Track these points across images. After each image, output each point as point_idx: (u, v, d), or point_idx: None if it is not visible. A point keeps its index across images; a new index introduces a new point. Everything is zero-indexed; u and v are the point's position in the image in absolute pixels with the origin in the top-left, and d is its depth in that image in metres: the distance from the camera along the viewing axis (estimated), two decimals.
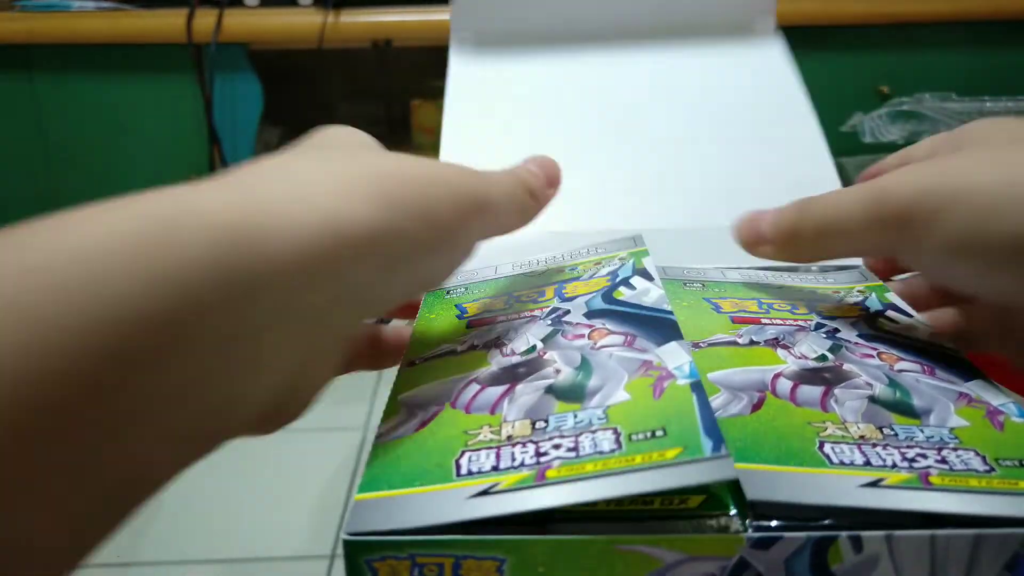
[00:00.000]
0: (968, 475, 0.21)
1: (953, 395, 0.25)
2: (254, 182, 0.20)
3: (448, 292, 0.34)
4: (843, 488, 0.20)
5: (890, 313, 0.31)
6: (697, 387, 0.23)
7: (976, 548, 0.19)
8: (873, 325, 0.30)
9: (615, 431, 0.21)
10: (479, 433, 0.23)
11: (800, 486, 0.20)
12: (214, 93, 1.45)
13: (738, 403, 0.24)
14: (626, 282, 0.31)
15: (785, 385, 0.26)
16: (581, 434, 0.22)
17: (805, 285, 0.35)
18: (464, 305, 0.32)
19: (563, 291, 0.31)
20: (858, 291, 0.33)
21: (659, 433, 0.21)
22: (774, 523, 0.19)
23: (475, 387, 0.25)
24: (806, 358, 0.27)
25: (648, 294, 0.29)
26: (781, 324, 0.30)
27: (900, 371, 0.26)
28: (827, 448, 0.22)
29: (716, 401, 0.24)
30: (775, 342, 0.28)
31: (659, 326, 0.27)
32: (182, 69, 1.45)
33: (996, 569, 0.19)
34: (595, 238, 0.36)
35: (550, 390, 0.24)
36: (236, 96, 1.48)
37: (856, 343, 0.28)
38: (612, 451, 0.20)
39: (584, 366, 0.25)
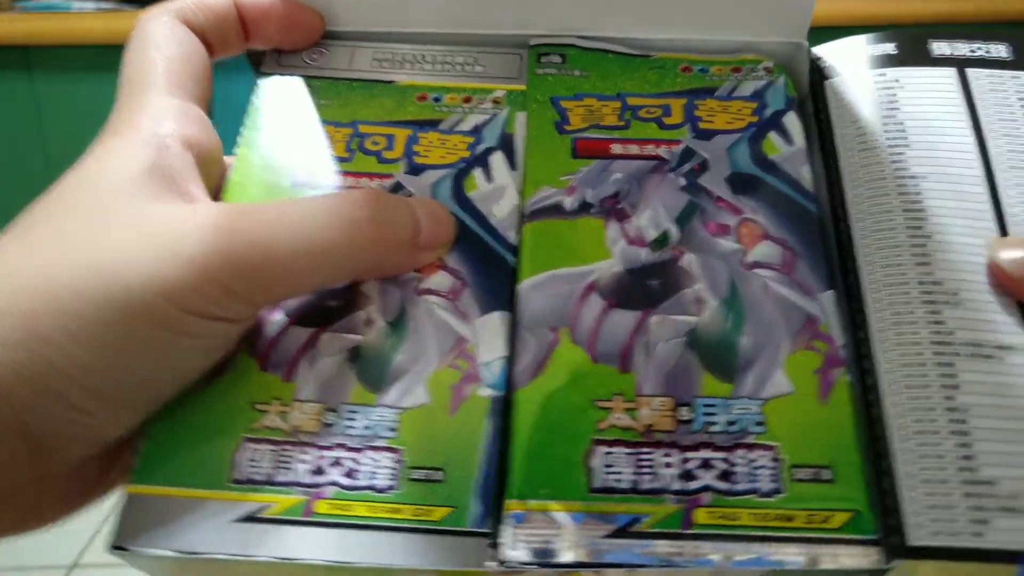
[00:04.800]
0: (744, 503, 0.20)
1: (797, 322, 0.23)
2: None
3: (294, 72, 0.29)
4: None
5: (787, 122, 0.27)
6: (495, 406, 0.22)
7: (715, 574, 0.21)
8: (757, 148, 0.26)
9: (398, 457, 0.21)
10: (266, 412, 0.22)
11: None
12: (214, 93, 1.36)
13: (527, 355, 0.23)
14: (485, 159, 0.26)
15: (593, 310, 0.23)
16: (364, 450, 0.21)
17: (697, 50, 0.29)
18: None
19: (415, 150, 0.27)
20: (764, 69, 0.28)
21: (437, 476, 0.21)
22: (521, 562, 0.20)
23: (279, 320, 0.23)
24: (641, 241, 0.24)
25: (501, 200, 0.26)
26: (637, 154, 0.26)
27: (753, 266, 0.24)
28: (597, 458, 0.21)
29: (506, 345, 0.23)
30: (613, 203, 0.25)
31: (493, 271, 0.24)
32: None
33: None
34: (477, 34, 0.29)
35: (354, 356, 0.23)
36: (236, 96, 1.36)
37: (719, 200, 0.25)
38: (387, 489, 0.21)
39: (398, 325, 0.23)
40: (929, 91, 0.26)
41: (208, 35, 0.26)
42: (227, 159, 0.26)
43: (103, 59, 1.44)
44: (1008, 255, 0.22)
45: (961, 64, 0.27)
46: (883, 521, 0.20)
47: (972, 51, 0.27)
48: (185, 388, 0.22)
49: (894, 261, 0.23)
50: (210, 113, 0.25)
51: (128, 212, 0.20)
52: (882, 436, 0.21)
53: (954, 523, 0.19)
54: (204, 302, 0.20)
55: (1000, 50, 0.27)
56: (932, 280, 0.22)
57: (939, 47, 0.28)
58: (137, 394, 0.21)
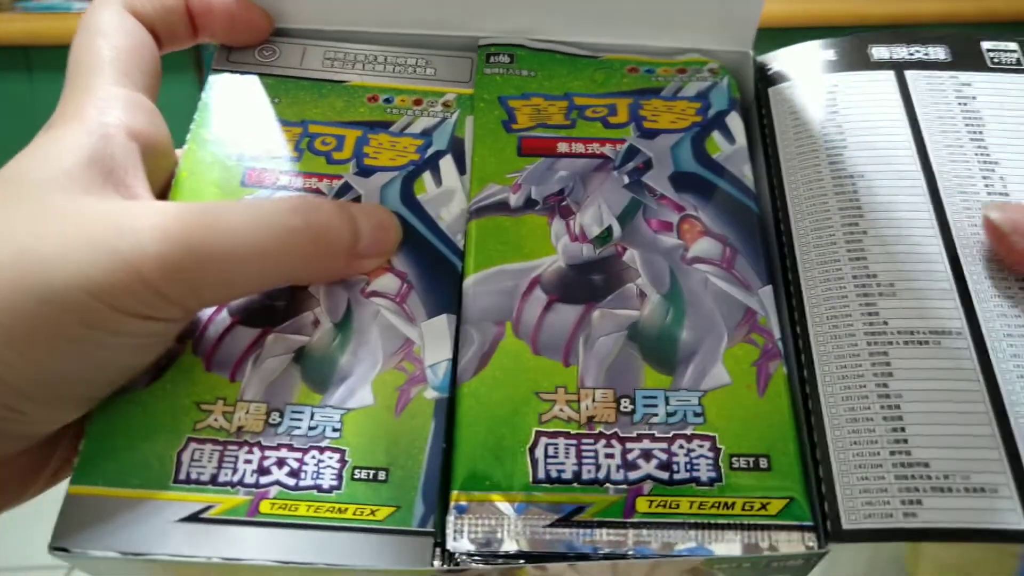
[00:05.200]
0: (684, 492, 0.21)
1: (736, 316, 0.23)
2: None
3: (245, 69, 0.28)
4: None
5: (729, 122, 0.27)
6: (440, 408, 0.22)
7: (655, 567, 0.21)
8: (700, 147, 0.27)
9: (342, 457, 0.21)
10: (211, 412, 0.22)
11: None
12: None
13: (471, 349, 0.23)
14: (435, 163, 0.27)
15: (537, 305, 0.23)
16: (309, 450, 0.21)
17: (645, 54, 0.29)
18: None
19: (364, 151, 0.27)
20: (708, 70, 0.29)
21: (381, 476, 0.21)
22: (465, 557, 0.20)
23: (225, 320, 0.23)
24: (584, 237, 0.25)
25: (450, 203, 0.26)
26: (582, 152, 0.27)
27: (693, 261, 0.24)
28: (540, 450, 0.21)
29: (452, 348, 0.23)
30: (558, 200, 0.25)
31: (440, 274, 0.24)
32: (182, 69, 1.33)
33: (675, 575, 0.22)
34: (429, 35, 0.30)
35: (299, 357, 0.23)
36: None
37: (661, 197, 0.26)
38: (331, 489, 0.21)
39: (344, 326, 0.23)
40: (868, 93, 0.27)
41: (156, 27, 0.26)
42: (180, 152, 0.26)
43: None
44: (998, 214, 0.23)
45: (900, 67, 0.28)
46: (818, 507, 0.20)
47: (911, 54, 0.28)
48: (126, 386, 0.22)
49: (830, 257, 0.24)
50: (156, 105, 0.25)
51: (64, 205, 0.20)
52: (818, 425, 0.21)
53: (887, 505, 0.19)
54: (135, 302, 0.19)
55: (938, 52, 0.28)
56: (867, 274, 0.23)
57: (878, 51, 0.28)
58: (71, 392, 0.20)
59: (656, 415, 0.21)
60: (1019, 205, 0.24)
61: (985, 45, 0.29)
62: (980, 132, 0.26)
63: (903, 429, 0.20)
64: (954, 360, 0.21)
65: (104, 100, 0.23)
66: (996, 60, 0.28)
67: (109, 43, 0.24)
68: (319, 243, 0.22)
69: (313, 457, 0.21)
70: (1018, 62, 0.28)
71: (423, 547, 0.20)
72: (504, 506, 0.20)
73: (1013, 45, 0.29)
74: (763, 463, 0.21)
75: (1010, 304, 0.22)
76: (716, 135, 0.27)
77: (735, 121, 0.27)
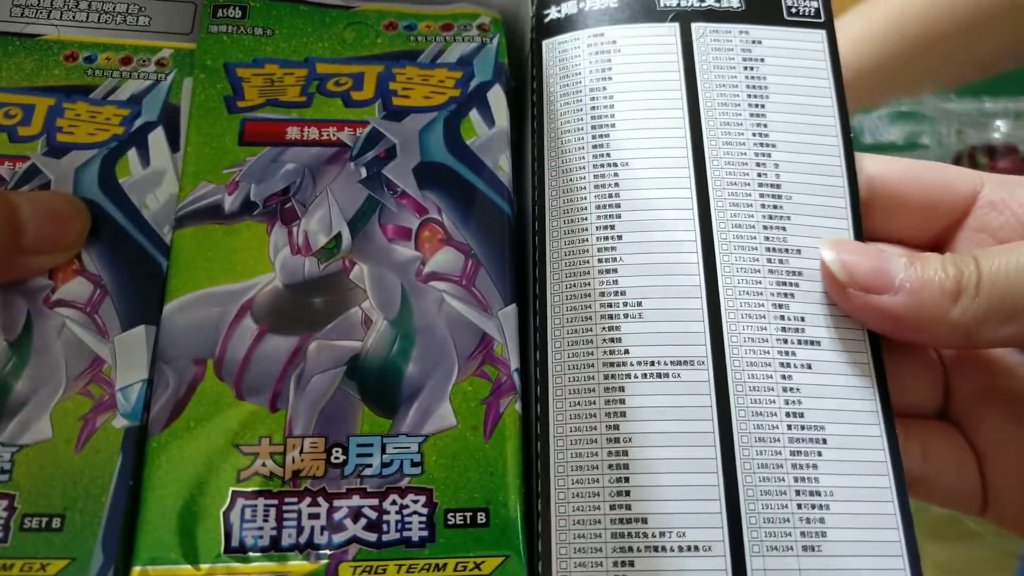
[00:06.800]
0: (393, 556, 0.19)
1: (471, 344, 0.21)
2: None
3: None
4: None
5: (491, 98, 0.24)
6: (130, 439, 0.19)
7: None
8: (453, 131, 0.23)
9: (10, 504, 0.19)
10: None
11: None
12: None
13: (164, 394, 0.20)
14: (143, 138, 0.23)
15: (245, 337, 0.20)
16: None
17: (407, 1, 0.25)
18: None
19: (58, 125, 0.22)
20: (478, 27, 0.25)
21: (55, 523, 0.19)
22: None
23: None
24: (307, 249, 0.21)
25: (158, 188, 0.22)
26: (315, 139, 0.23)
27: (430, 277, 0.21)
28: (236, 512, 0.19)
29: (149, 366, 0.20)
30: (281, 200, 0.22)
31: (141, 276, 0.21)
32: None
33: None
34: None
35: None
36: None
37: (402, 196, 0.22)
38: None
39: (21, 345, 0.20)
40: (645, 56, 0.24)
41: None
42: None
43: None
44: (831, 254, 0.21)
45: (687, 17, 0.25)
46: (533, 566, 0.19)
47: (701, 1, 0.25)
48: None
49: (580, 269, 0.21)
50: None
51: None
52: (543, 472, 0.19)
53: (599, 566, 0.18)
54: None
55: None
56: (616, 290, 0.21)
57: None
58: None
59: (370, 466, 0.19)
60: (852, 243, 0.21)
61: None
62: (762, 107, 0.24)
63: (627, 479, 0.19)
64: (691, 396, 0.20)
65: None
66: (794, 11, 0.25)
67: None
68: None
69: None
70: (817, 13, 0.25)
71: None
72: None
73: None
74: (481, 518, 0.19)
75: (759, 326, 0.21)
76: (474, 115, 0.23)
77: (497, 97, 0.24)
